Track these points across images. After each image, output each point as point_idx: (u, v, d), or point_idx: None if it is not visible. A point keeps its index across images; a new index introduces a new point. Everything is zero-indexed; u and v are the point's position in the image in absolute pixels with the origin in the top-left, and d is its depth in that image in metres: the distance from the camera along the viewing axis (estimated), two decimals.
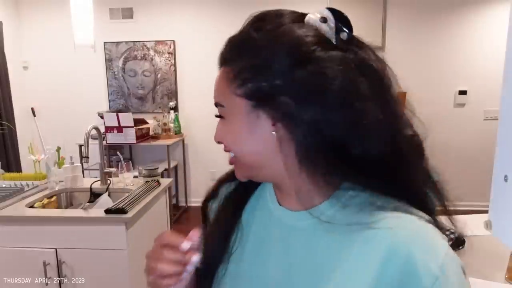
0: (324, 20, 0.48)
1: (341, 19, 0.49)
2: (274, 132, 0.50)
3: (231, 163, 0.57)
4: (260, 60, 0.49)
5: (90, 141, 2.12)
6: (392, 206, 0.49)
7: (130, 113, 3.72)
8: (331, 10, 0.49)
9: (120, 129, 3.62)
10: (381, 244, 0.47)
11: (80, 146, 3.80)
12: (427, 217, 0.49)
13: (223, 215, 0.64)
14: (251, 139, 0.52)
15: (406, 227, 0.47)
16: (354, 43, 0.50)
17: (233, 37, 0.53)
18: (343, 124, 0.47)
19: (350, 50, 0.49)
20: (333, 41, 0.48)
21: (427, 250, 0.45)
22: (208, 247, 0.59)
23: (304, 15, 0.51)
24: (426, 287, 0.43)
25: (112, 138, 3.65)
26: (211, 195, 0.68)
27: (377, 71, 0.50)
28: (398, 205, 0.49)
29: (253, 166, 0.54)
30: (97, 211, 1.89)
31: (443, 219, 0.53)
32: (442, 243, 0.46)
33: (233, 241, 0.61)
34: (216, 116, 0.55)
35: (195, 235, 0.56)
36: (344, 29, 0.49)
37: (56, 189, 2.18)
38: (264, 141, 0.51)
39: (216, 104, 0.54)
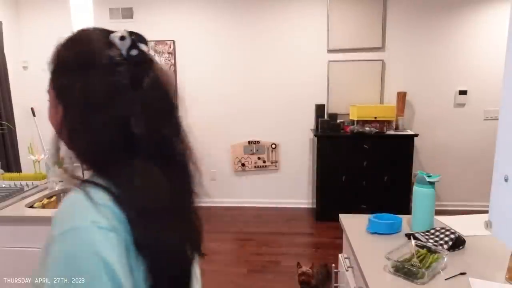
0: (122, 38, 0.62)
1: (138, 40, 0.64)
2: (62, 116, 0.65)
3: None
4: (57, 63, 0.66)
5: None
6: (83, 185, 0.61)
7: None
8: (129, 31, 0.64)
9: None
10: None
11: None
12: (94, 196, 0.58)
13: None
14: (56, 118, 0.67)
15: (65, 199, 0.61)
16: (143, 59, 0.64)
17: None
18: (89, 122, 0.61)
19: (137, 64, 0.62)
20: (124, 55, 0.62)
21: (62, 217, 0.58)
22: None
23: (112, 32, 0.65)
24: (48, 246, 0.56)
25: None
26: None
27: (155, 85, 0.64)
28: (89, 187, 0.60)
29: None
30: None
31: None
32: (77, 216, 0.57)
33: None
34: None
35: None
36: (136, 47, 0.63)
37: (56, 189, 2.18)
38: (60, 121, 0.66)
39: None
